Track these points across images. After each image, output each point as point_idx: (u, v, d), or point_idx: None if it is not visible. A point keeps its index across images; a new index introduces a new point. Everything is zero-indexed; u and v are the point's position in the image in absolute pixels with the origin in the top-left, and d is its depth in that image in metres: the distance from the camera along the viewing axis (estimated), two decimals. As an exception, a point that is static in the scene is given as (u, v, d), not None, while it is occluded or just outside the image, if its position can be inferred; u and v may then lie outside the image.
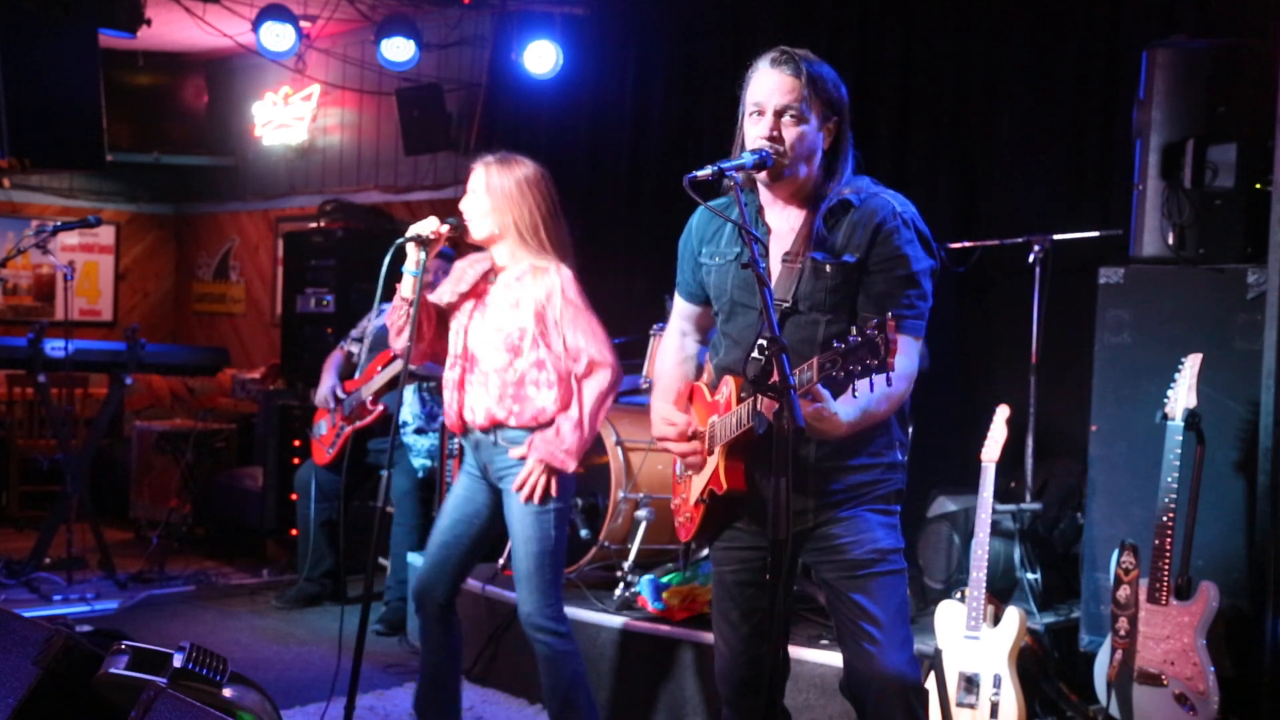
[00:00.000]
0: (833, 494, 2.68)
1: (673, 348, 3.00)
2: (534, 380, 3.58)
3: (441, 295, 3.76)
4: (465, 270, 3.77)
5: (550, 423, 3.58)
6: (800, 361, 2.45)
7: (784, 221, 2.72)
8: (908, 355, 2.55)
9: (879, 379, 2.25)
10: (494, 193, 3.62)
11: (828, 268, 2.62)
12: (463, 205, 3.64)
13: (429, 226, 3.56)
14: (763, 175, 2.63)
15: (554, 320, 3.59)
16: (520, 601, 3.63)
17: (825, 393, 2.38)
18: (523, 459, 3.56)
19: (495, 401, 3.58)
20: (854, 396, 2.37)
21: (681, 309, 3.01)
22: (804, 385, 2.36)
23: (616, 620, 4.43)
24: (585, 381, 3.61)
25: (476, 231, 3.64)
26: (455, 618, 3.80)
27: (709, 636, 4.14)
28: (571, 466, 3.58)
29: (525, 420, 3.57)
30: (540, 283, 3.62)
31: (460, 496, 3.73)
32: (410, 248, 3.56)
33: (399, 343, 3.61)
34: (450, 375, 3.68)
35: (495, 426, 3.59)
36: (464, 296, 3.71)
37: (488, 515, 3.71)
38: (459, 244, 3.75)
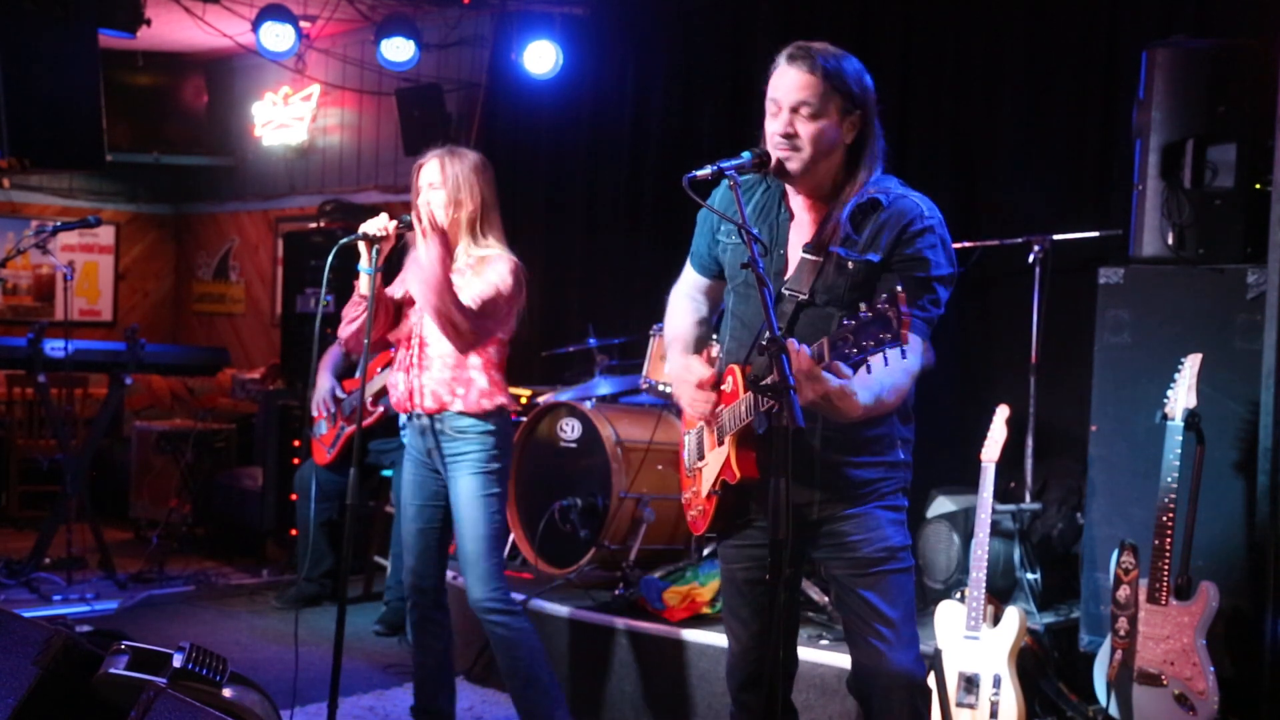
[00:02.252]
0: (838, 489, 2.68)
1: (686, 309, 2.96)
2: (475, 365, 3.65)
3: (395, 290, 3.80)
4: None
5: (482, 398, 3.64)
6: None
7: (807, 211, 2.70)
8: (913, 352, 2.55)
9: (893, 352, 2.23)
10: (450, 185, 3.64)
11: (850, 265, 2.60)
12: (425, 200, 3.61)
13: (377, 225, 3.58)
14: (775, 169, 2.61)
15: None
16: (470, 588, 3.69)
17: (847, 369, 2.34)
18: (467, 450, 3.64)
19: (442, 385, 3.64)
20: (869, 373, 2.36)
21: (693, 280, 2.97)
22: (817, 362, 2.32)
23: (616, 620, 4.42)
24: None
25: (442, 224, 3.61)
26: (446, 608, 3.85)
27: (709, 636, 4.16)
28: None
29: (470, 405, 3.63)
30: (488, 270, 3.64)
31: (413, 483, 3.79)
32: (361, 247, 3.59)
33: (352, 337, 3.68)
34: (401, 358, 3.74)
35: (441, 411, 3.64)
36: None
37: (444, 497, 3.75)
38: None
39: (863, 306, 2.26)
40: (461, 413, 3.64)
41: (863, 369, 2.31)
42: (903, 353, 2.24)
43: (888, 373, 2.36)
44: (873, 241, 2.61)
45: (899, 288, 2.21)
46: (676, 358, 2.88)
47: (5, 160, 5.96)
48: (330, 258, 3.54)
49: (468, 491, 3.64)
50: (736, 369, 2.66)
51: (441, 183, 3.63)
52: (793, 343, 2.34)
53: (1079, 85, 5.01)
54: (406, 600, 3.85)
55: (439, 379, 3.64)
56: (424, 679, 3.86)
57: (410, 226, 3.58)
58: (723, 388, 2.71)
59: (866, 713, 2.76)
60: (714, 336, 3.03)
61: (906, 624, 2.68)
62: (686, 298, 2.98)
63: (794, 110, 2.59)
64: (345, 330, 3.73)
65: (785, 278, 2.66)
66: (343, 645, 3.51)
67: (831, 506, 2.69)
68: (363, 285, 3.63)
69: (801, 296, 2.63)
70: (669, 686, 4.26)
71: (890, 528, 2.70)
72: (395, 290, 3.80)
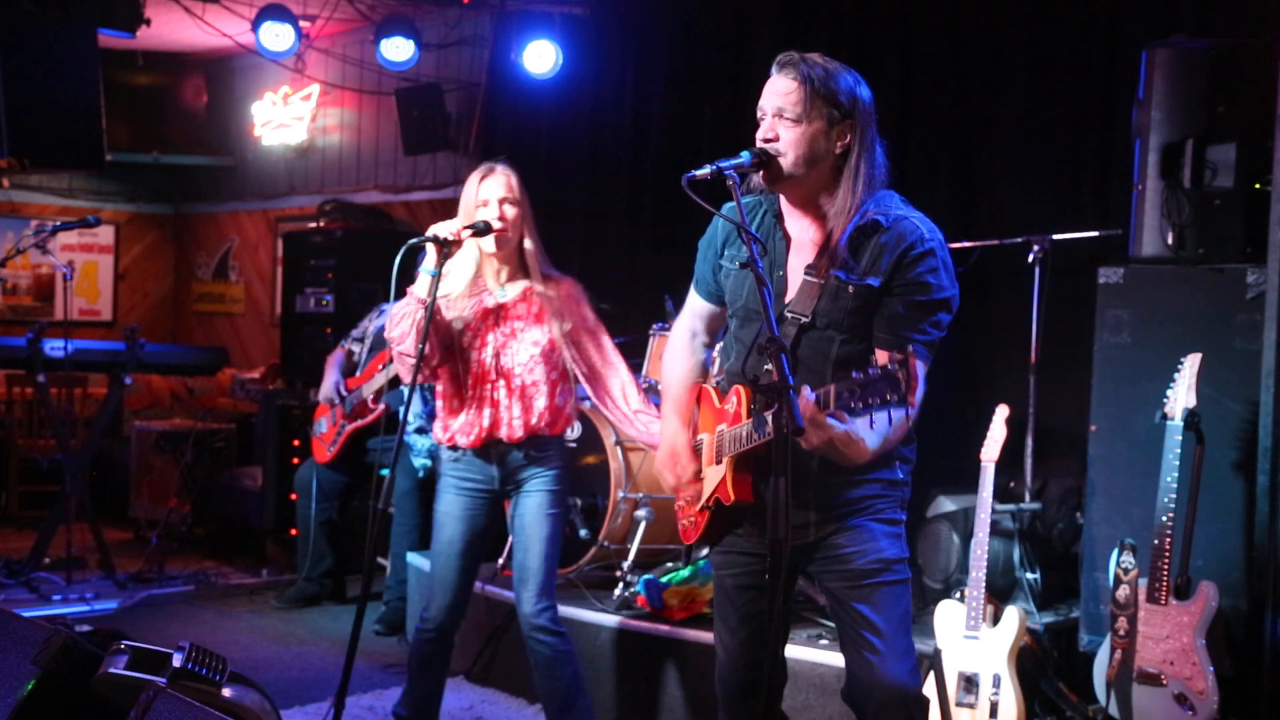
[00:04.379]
0: (834, 507, 2.67)
1: (683, 351, 2.97)
2: (562, 390, 3.67)
3: (447, 311, 3.62)
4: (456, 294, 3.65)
5: (567, 421, 3.70)
6: (813, 377, 2.44)
7: (804, 231, 2.69)
8: (918, 381, 2.54)
9: (897, 413, 2.24)
10: (523, 199, 3.61)
11: (850, 289, 2.59)
12: (502, 216, 3.55)
13: (451, 228, 3.48)
14: (763, 176, 2.61)
15: (577, 329, 3.66)
16: (524, 603, 3.62)
17: (852, 418, 2.35)
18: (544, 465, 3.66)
19: (534, 414, 3.60)
20: (871, 427, 2.37)
21: (696, 307, 2.97)
22: (819, 409, 2.34)
23: (616, 620, 4.43)
24: (615, 371, 3.73)
25: (513, 240, 3.60)
26: (454, 643, 3.79)
27: (708, 636, 4.14)
28: None
29: (558, 427, 3.66)
30: (557, 291, 3.64)
31: (463, 519, 3.66)
32: (430, 249, 3.48)
33: (405, 345, 3.50)
34: (476, 393, 3.60)
35: (531, 436, 3.61)
36: (484, 315, 3.62)
37: (489, 530, 3.72)
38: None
39: (874, 361, 2.28)
40: (550, 435, 3.65)
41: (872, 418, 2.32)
42: (907, 412, 2.26)
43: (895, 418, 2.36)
44: (873, 265, 2.59)
45: (911, 349, 2.23)
46: (669, 425, 2.89)
47: (5, 160, 5.96)
48: (399, 258, 3.40)
49: (537, 507, 3.62)
50: (742, 390, 2.65)
51: (515, 199, 3.59)
52: (805, 390, 2.36)
53: (1079, 85, 5.01)
54: (421, 633, 3.70)
55: (534, 407, 3.60)
56: (415, 703, 3.74)
57: (483, 231, 3.51)
58: (725, 406, 2.71)
59: None
60: (715, 349, 3.04)
61: (900, 636, 2.67)
62: (687, 334, 2.98)
63: (777, 116, 2.59)
64: (404, 346, 3.52)
65: (787, 300, 2.65)
66: (358, 643, 3.46)
67: (827, 525, 2.68)
68: (419, 287, 3.50)
69: (804, 319, 2.62)
70: (669, 686, 4.26)
71: (885, 540, 2.69)
72: (447, 311, 3.62)
